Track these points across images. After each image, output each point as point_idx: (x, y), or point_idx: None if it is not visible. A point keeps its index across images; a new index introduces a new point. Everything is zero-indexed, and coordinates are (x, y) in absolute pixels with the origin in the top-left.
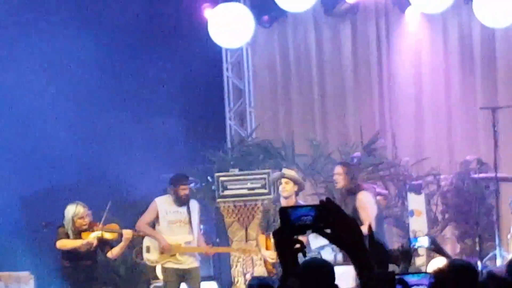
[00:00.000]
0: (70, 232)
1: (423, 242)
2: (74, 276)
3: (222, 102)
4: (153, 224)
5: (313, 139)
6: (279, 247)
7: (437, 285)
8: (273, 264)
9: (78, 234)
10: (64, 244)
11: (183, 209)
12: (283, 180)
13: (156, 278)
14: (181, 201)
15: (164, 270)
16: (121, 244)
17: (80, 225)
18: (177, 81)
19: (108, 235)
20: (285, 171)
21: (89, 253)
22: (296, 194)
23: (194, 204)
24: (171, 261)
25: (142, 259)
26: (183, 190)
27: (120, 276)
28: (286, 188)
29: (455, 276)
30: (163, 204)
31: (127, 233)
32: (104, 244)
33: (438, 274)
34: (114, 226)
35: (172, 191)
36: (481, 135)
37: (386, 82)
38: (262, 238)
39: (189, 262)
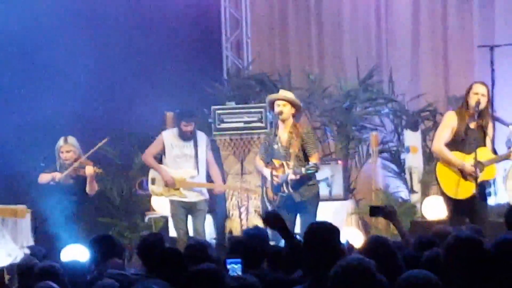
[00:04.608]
0: (58, 166)
1: None
2: (68, 210)
3: (219, 32)
4: (160, 156)
5: (309, 73)
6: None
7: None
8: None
9: (65, 169)
10: (41, 178)
11: (190, 143)
12: (280, 102)
13: (151, 209)
14: (184, 137)
15: (172, 203)
16: (87, 180)
17: (65, 158)
18: (173, 11)
19: (80, 171)
20: (282, 92)
21: (76, 188)
22: (294, 116)
23: (202, 138)
24: (176, 195)
25: (138, 190)
26: (185, 127)
27: (115, 206)
28: (284, 111)
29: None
30: (169, 138)
31: (88, 169)
32: (83, 179)
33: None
34: (89, 162)
35: (177, 125)
36: (477, 74)
37: (384, 17)
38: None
39: (194, 196)
